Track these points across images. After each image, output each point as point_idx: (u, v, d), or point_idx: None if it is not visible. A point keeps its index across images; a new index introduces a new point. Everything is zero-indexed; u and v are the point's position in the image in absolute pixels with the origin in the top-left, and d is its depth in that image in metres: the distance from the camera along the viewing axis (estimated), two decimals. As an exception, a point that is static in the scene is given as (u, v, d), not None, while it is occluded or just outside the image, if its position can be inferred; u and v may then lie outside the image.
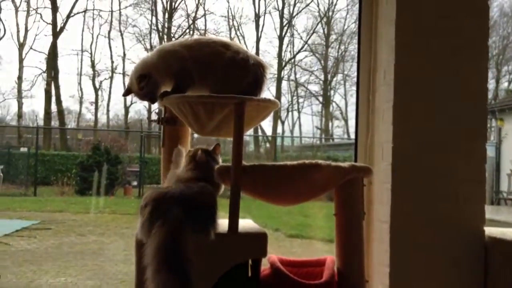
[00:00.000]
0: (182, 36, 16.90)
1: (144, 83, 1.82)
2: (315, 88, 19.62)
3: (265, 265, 1.84)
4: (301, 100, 19.30)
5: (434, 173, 1.94)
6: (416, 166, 1.94)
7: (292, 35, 19.04)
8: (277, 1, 19.77)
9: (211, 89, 1.78)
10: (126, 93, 1.91)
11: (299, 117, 19.24)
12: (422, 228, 1.92)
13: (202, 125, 1.80)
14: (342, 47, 18.79)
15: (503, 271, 1.82)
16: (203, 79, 1.81)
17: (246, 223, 1.90)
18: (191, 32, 17.65)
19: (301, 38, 19.11)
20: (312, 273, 1.90)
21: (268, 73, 1.86)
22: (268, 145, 17.99)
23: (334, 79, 19.10)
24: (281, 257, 1.95)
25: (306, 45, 18.55)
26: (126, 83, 1.93)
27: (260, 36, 18.39)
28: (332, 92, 19.18)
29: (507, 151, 13.51)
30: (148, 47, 17.73)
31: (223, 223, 1.73)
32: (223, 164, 1.82)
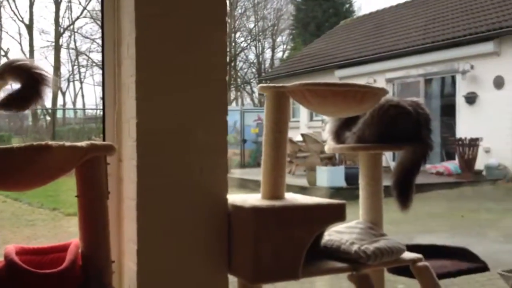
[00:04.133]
0: None
1: None
2: (98, 56, 18.77)
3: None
4: (83, 69, 18.30)
5: (178, 147, 1.95)
6: (161, 141, 1.92)
7: (69, 1, 17.81)
8: (50, -38, 18.22)
9: None
10: None
11: (81, 88, 18.28)
12: (168, 203, 1.92)
13: None
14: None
15: (242, 236, 1.94)
16: None
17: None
18: None
19: (80, 3, 18.03)
20: (57, 260, 1.79)
21: None
22: (49, 118, 16.83)
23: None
24: (23, 246, 1.82)
25: (85, 11, 17.51)
26: None
27: (34, 0, 16.77)
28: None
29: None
30: None
31: None
32: None
